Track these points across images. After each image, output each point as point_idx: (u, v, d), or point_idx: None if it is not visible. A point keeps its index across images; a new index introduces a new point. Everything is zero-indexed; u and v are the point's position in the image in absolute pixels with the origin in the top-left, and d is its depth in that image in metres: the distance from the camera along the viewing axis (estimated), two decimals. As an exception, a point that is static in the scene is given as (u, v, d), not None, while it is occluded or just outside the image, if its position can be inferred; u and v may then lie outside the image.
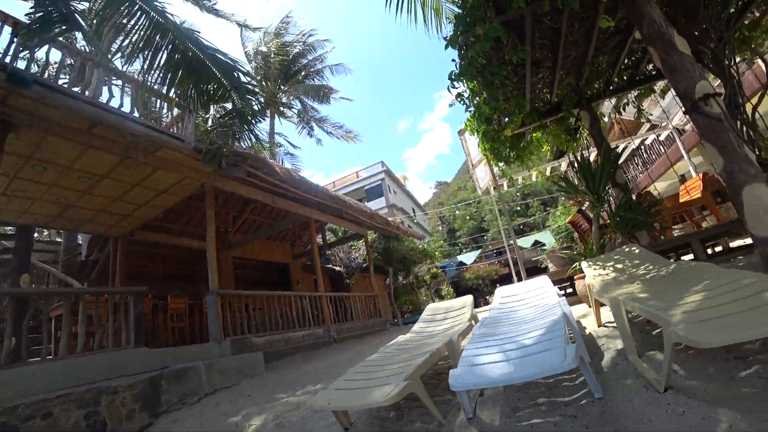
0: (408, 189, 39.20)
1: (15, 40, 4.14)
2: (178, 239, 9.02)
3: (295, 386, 4.00)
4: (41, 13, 3.92)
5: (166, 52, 5.17)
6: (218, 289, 5.76)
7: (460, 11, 3.70)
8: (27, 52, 4.43)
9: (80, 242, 9.00)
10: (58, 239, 10.76)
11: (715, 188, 6.26)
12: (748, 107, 3.88)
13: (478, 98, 4.33)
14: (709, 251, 5.61)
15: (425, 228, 39.01)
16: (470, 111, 4.74)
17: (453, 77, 3.83)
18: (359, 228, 11.25)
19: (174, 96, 5.48)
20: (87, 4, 4.30)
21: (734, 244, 6.19)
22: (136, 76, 5.89)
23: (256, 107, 6.23)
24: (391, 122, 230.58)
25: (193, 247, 9.15)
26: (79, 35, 7.48)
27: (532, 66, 4.47)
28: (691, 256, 4.85)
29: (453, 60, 3.83)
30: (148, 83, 5.23)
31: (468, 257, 39.22)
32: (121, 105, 5.18)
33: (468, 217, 57.13)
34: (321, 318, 8.04)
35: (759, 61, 5.28)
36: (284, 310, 7.09)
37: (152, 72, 5.16)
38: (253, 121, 6.00)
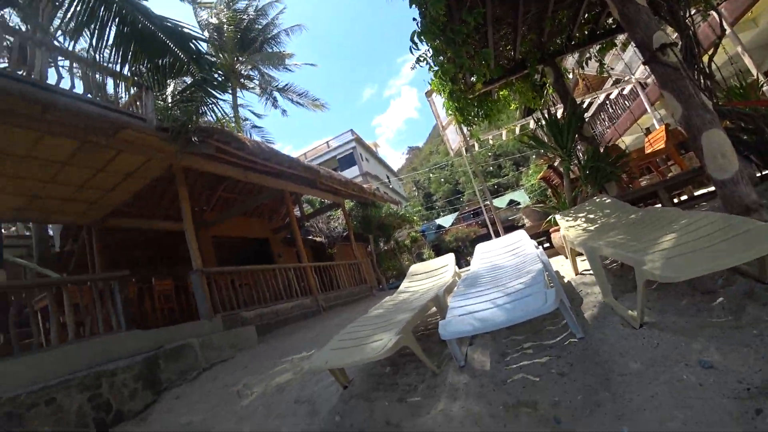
0: (380, 156, 38.98)
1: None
2: (152, 222, 8.80)
3: (290, 353, 4.10)
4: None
5: (114, 25, 4.86)
6: (201, 268, 5.74)
7: None
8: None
9: (51, 234, 8.70)
10: (27, 233, 10.37)
11: (678, 140, 6.41)
12: (705, 58, 3.97)
13: (442, 57, 4.21)
14: (675, 200, 5.74)
15: (401, 194, 39.18)
16: (434, 71, 4.62)
17: (415, 37, 3.75)
18: (335, 197, 11.24)
19: (128, 74, 5.21)
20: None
21: (698, 192, 6.45)
22: (85, 55, 5.54)
23: (219, 78, 5.96)
24: (356, 90, 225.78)
25: (169, 229, 8.95)
26: (14, 16, 6.89)
27: (493, 23, 4.44)
28: (658, 205, 4.96)
29: (414, 19, 3.73)
30: (99, 62, 4.95)
31: (446, 220, 39.70)
32: (73, 86, 4.83)
33: (443, 180, 57.61)
34: (308, 288, 8.14)
35: (713, 13, 5.37)
36: (270, 284, 7.13)
37: (101, 49, 4.88)
38: (218, 93, 5.75)
